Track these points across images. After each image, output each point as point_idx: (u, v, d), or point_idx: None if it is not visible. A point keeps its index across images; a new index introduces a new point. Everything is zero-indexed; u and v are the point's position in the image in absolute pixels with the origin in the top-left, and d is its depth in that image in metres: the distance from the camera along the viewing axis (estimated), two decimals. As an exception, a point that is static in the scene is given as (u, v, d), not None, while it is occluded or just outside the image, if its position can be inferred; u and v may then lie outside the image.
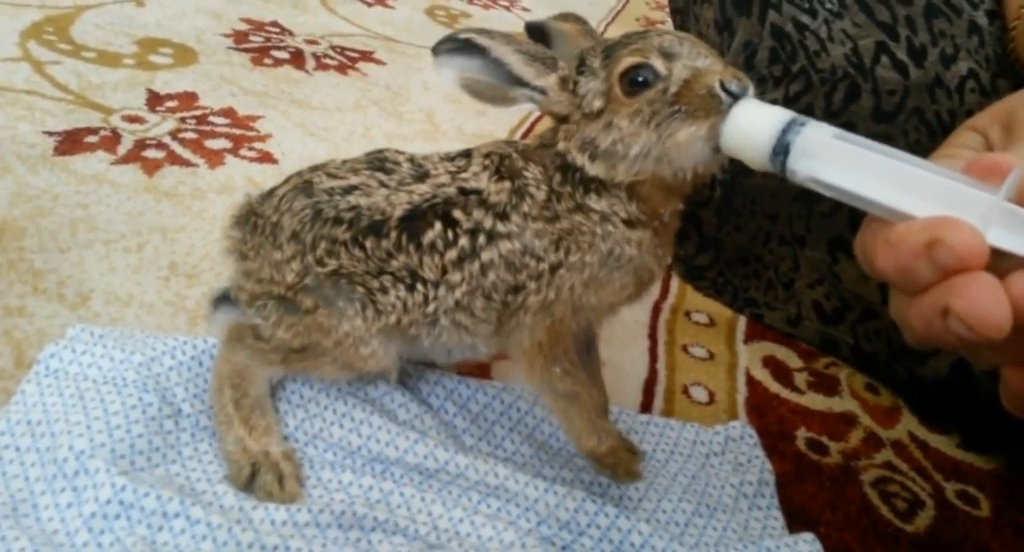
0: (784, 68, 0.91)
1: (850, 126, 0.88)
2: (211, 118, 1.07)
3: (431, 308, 0.57)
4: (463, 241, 0.56)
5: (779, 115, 0.47)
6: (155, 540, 0.52)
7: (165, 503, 0.53)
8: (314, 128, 1.12)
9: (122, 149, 0.94)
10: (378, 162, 0.59)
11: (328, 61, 1.35)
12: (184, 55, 1.22)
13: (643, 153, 0.53)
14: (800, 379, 0.89)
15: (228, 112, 1.09)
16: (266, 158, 1.01)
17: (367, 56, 1.42)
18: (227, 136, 1.03)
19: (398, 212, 0.57)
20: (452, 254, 0.56)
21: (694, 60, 0.52)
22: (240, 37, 1.34)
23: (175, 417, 0.61)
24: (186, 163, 0.95)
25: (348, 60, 1.38)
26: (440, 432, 0.66)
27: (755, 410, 0.82)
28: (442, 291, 0.57)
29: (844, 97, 0.88)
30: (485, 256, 0.56)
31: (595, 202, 0.56)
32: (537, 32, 0.61)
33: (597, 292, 0.58)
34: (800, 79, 0.90)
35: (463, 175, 0.58)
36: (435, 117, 1.26)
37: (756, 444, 0.75)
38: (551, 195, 0.57)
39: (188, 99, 1.10)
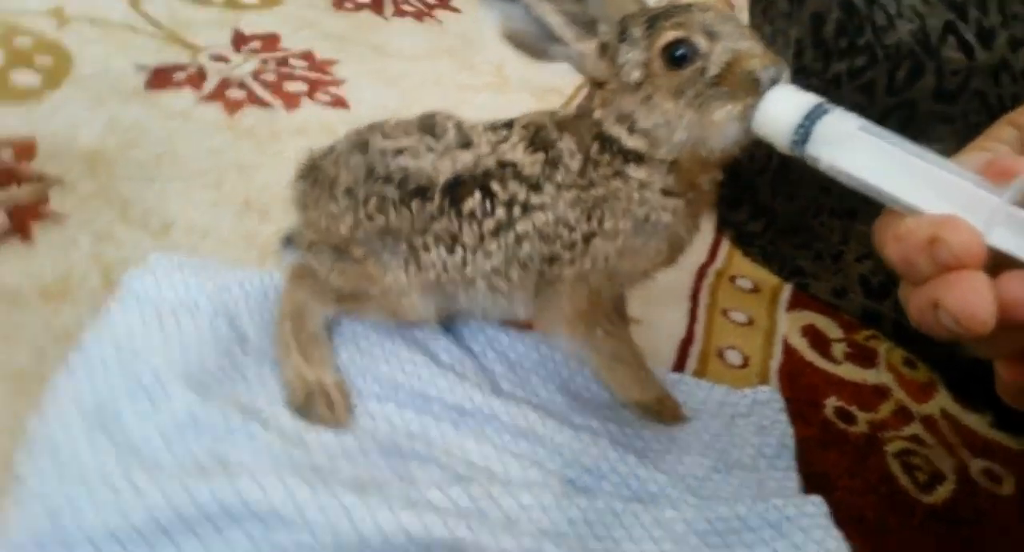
0: (850, 41, 0.91)
1: (911, 104, 0.89)
2: (291, 60, 1.12)
3: (468, 270, 0.62)
4: (499, 212, 0.60)
5: (806, 101, 0.49)
6: (219, 451, 0.58)
7: (229, 419, 0.60)
8: (387, 75, 1.16)
9: (207, 87, 1.01)
10: (428, 126, 0.63)
11: (406, 7, 1.38)
12: (270, -4, 1.27)
13: (685, 136, 0.56)
14: (838, 349, 0.91)
15: (307, 56, 1.14)
16: (339, 103, 1.06)
17: (444, 2, 1.44)
18: (304, 79, 1.08)
19: (442, 178, 0.61)
20: (489, 224, 0.60)
21: (736, 41, 0.54)
22: (324, -20, 1.39)
23: (241, 343, 0.67)
24: (265, 104, 1.01)
25: (425, 6, 1.41)
26: (478, 376, 0.71)
27: (787, 376, 0.85)
28: (480, 257, 0.61)
29: (907, 75, 0.88)
30: (520, 227, 0.60)
31: (634, 171, 0.59)
32: None
33: (632, 259, 0.61)
34: (865, 53, 0.90)
35: (503, 146, 0.61)
36: (504, 69, 1.28)
37: (782, 409, 0.78)
38: (586, 163, 0.60)
39: (271, 41, 1.15)
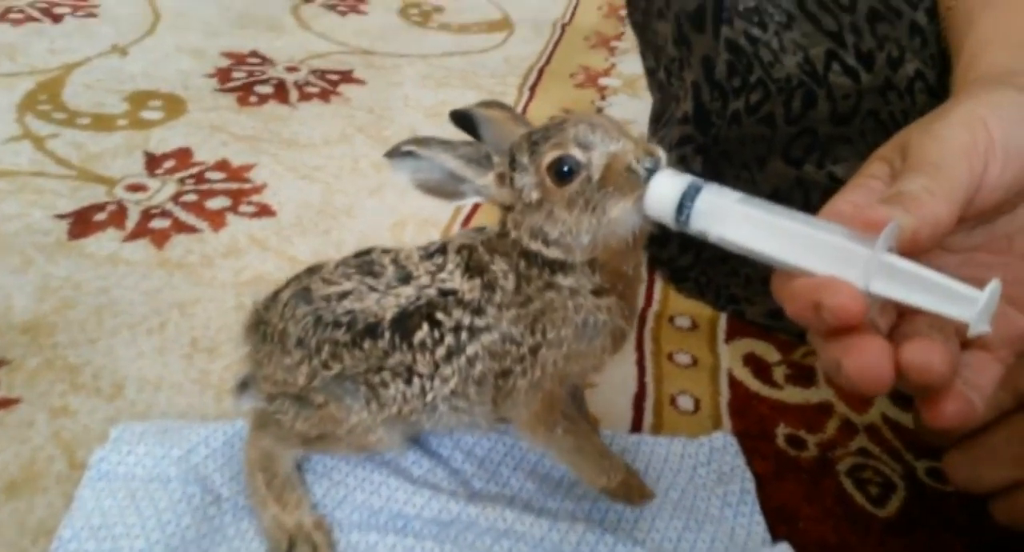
0: (742, 79, 0.96)
1: (811, 131, 0.94)
2: (207, 175, 1.13)
3: (429, 397, 0.65)
4: (448, 339, 0.63)
5: (681, 182, 0.53)
6: (215, 622, 0.61)
7: (219, 588, 0.62)
8: (305, 169, 1.18)
9: (130, 223, 1.01)
10: (366, 266, 0.66)
11: (310, 89, 1.40)
12: (174, 106, 1.28)
13: (591, 237, 0.59)
14: (778, 373, 0.96)
15: (222, 165, 1.15)
16: (264, 211, 1.07)
17: (347, 77, 1.46)
18: (225, 193, 1.10)
19: (389, 315, 0.63)
20: (441, 351, 0.63)
21: (608, 145, 0.58)
22: (224, 76, 1.39)
23: (216, 502, 0.69)
24: (191, 229, 1.02)
25: (329, 84, 1.42)
26: (451, 482, 0.75)
27: (737, 412, 0.90)
28: (437, 383, 0.64)
29: (801, 104, 0.93)
30: (470, 350, 0.63)
31: (563, 279, 0.63)
32: (463, 119, 0.66)
33: (579, 361, 0.65)
34: (758, 89, 0.95)
35: (441, 275, 0.64)
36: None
37: (737, 452, 0.82)
38: (520, 280, 0.63)
39: (183, 156, 1.16)
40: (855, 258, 0.45)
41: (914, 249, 0.48)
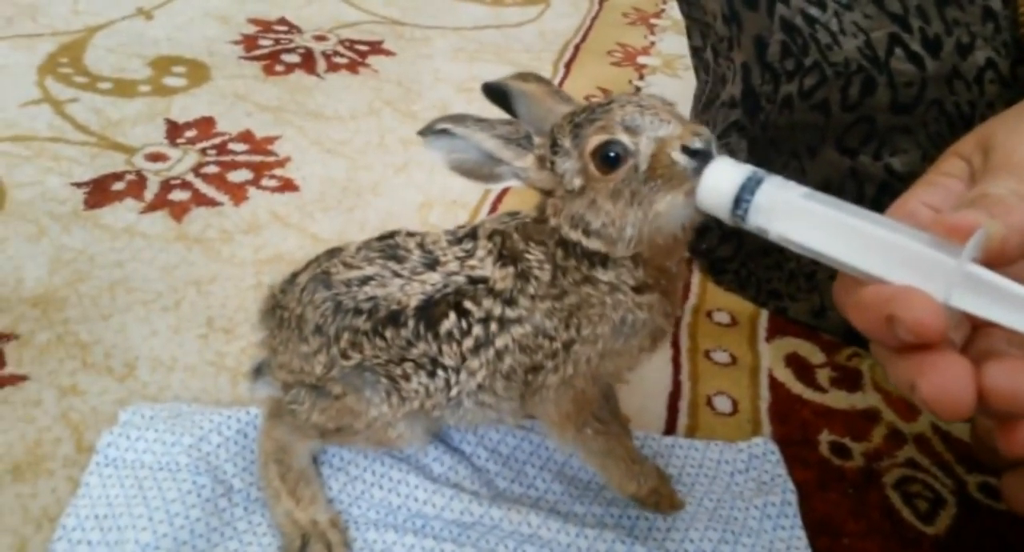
0: (796, 62, 0.90)
1: (868, 120, 0.88)
2: (230, 145, 1.09)
3: (454, 392, 0.60)
4: (477, 330, 0.59)
5: (739, 174, 0.48)
6: (222, 623, 0.57)
7: (227, 586, 0.58)
8: (330, 143, 1.13)
9: (149, 194, 0.98)
10: (390, 250, 0.62)
11: (338, 60, 1.35)
12: (197, 72, 1.24)
13: (635, 232, 0.55)
14: (822, 376, 0.91)
15: (246, 136, 1.11)
16: (287, 186, 1.03)
17: (376, 48, 1.41)
18: (247, 165, 1.05)
19: (414, 302, 0.59)
20: (469, 342, 0.59)
21: (656, 130, 0.52)
22: (250, 43, 1.35)
23: (228, 494, 0.66)
24: (211, 202, 0.98)
25: (358, 55, 1.38)
26: (474, 481, 0.71)
27: (778, 416, 0.85)
28: (463, 376, 0.60)
29: (860, 90, 0.87)
30: (499, 342, 0.59)
31: (602, 274, 0.58)
32: (496, 92, 0.62)
33: (614, 360, 0.60)
34: (814, 73, 0.89)
35: (470, 261, 0.60)
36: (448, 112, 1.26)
37: (779, 461, 0.78)
38: (556, 271, 0.59)
39: (206, 126, 1.12)
40: (936, 267, 0.41)
41: (999, 260, 0.43)
